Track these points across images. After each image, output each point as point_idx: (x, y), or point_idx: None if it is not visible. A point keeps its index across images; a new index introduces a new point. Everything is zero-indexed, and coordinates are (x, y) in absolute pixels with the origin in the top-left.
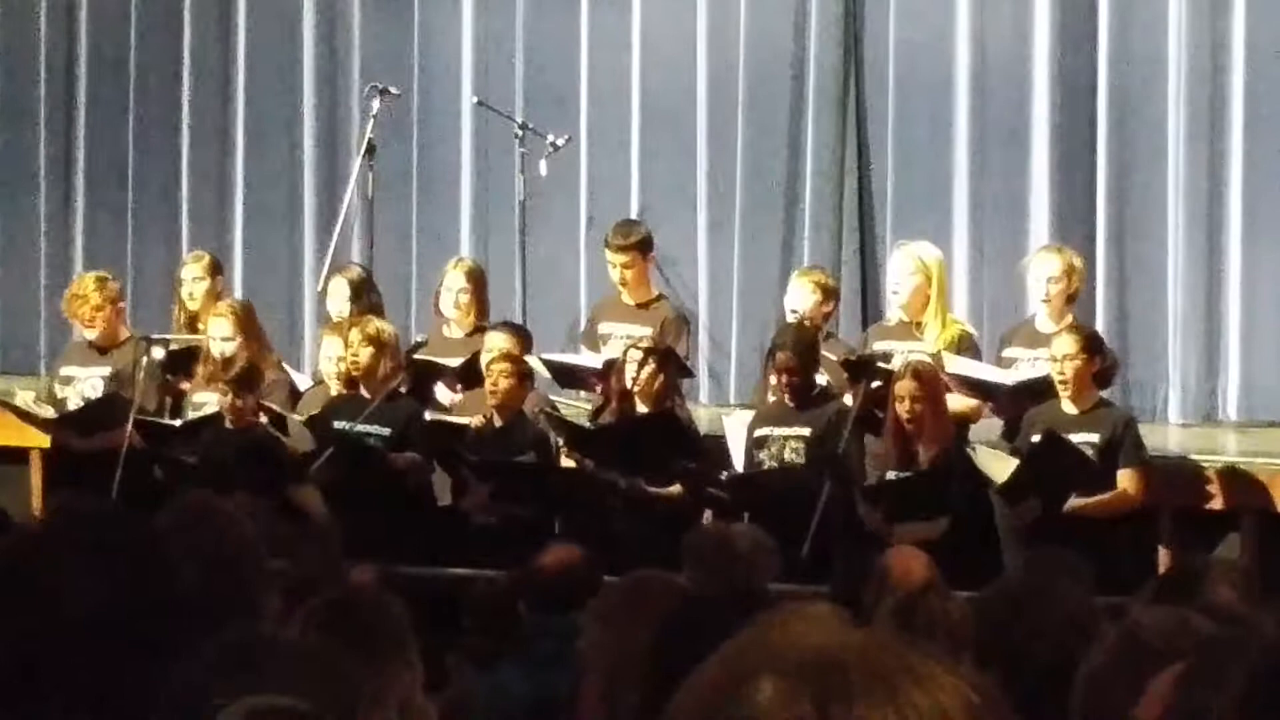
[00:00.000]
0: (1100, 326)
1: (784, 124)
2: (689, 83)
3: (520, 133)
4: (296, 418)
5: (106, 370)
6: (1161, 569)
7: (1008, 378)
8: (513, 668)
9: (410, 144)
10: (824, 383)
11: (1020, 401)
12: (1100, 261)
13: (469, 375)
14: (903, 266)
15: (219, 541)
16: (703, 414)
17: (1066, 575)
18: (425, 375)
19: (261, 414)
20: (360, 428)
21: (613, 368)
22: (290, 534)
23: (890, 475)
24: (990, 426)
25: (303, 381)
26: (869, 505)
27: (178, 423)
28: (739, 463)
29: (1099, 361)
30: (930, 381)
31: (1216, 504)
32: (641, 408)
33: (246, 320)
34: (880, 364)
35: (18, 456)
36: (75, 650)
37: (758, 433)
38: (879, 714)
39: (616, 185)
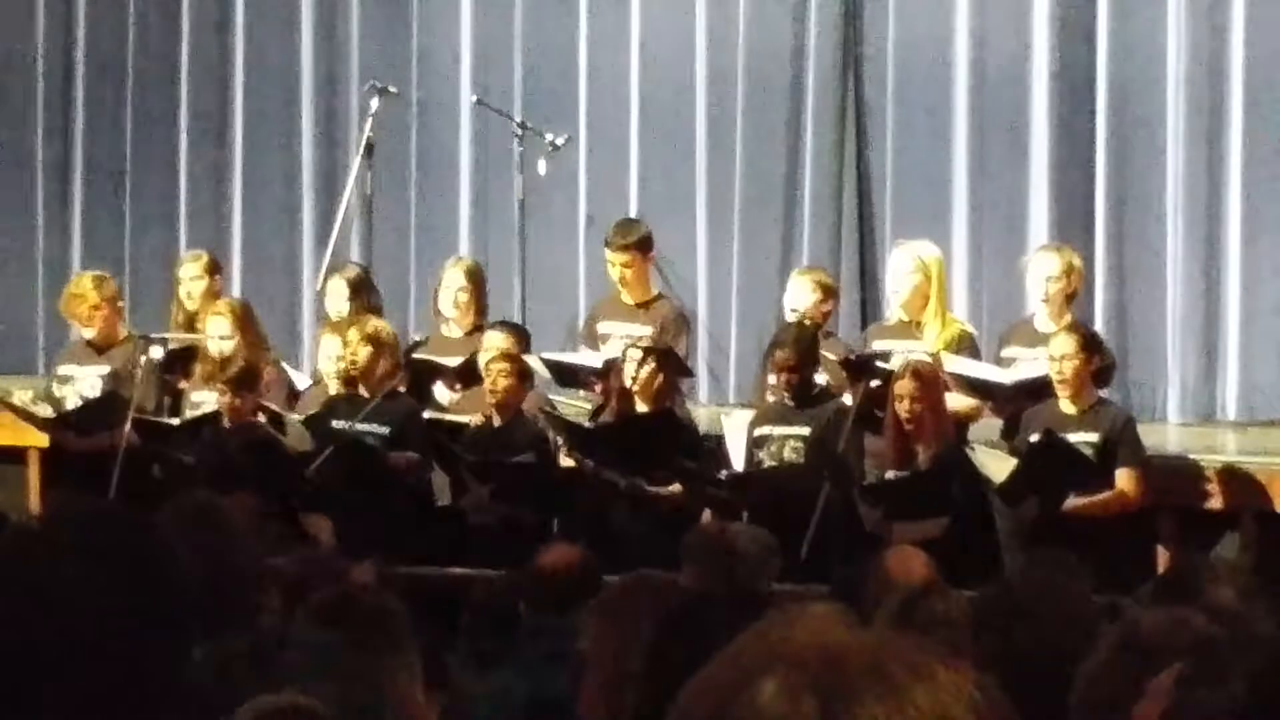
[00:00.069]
0: (1099, 326)
1: (783, 123)
2: (688, 82)
3: (519, 132)
4: (295, 417)
5: (105, 369)
6: (1160, 568)
7: (1007, 377)
8: (512, 668)
9: (409, 143)
10: (823, 382)
11: (1019, 401)
12: (1099, 261)
13: (468, 375)
14: (902, 266)
15: (219, 540)
16: (702, 413)
17: (1065, 575)
18: (424, 375)
19: (260, 413)
20: (359, 427)
21: (612, 367)
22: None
23: (889, 474)
24: (990, 426)
25: (302, 381)
26: (868, 504)
27: (176, 422)
28: (738, 462)
29: (1097, 361)
30: (930, 381)
31: (1215, 503)
32: (641, 407)
33: (245, 319)
34: (880, 363)
35: (16, 456)
36: (73, 650)
37: (757, 432)
38: (882, 712)
39: (615, 184)
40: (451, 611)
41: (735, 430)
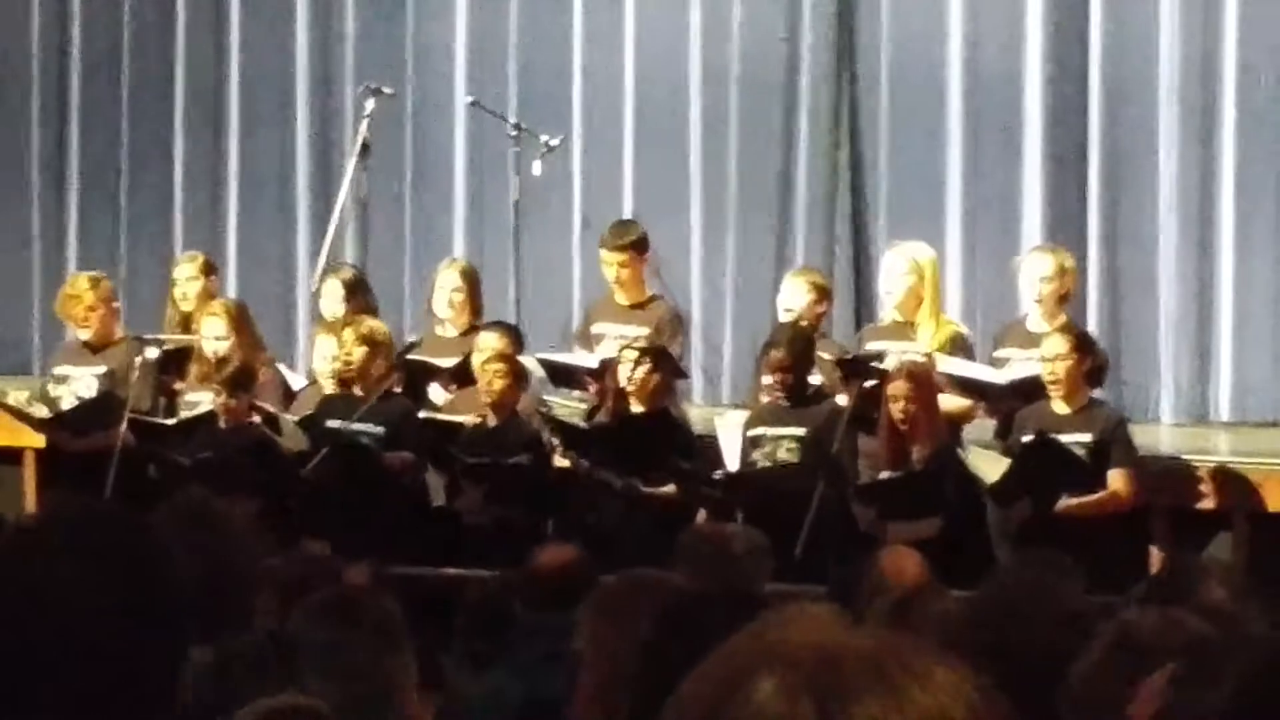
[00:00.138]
0: (1092, 327)
1: (777, 124)
2: (682, 82)
3: (514, 133)
4: (290, 417)
5: (100, 370)
6: (1153, 569)
7: (1000, 377)
8: (508, 668)
9: (404, 144)
10: (817, 383)
11: (1013, 401)
12: (1092, 262)
13: (463, 375)
14: (896, 267)
15: (214, 541)
16: (696, 414)
17: (1058, 575)
18: (419, 375)
19: (255, 414)
20: (354, 427)
21: (607, 367)
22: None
23: (883, 475)
24: (983, 426)
25: (297, 381)
26: (862, 504)
27: (171, 422)
28: (732, 463)
29: (1089, 361)
30: (924, 382)
31: (1208, 504)
32: (637, 407)
33: (240, 320)
34: (874, 364)
35: (12, 456)
36: (69, 651)
37: (752, 432)
38: (879, 712)
39: (610, 185)
40: (446, 612)
41: (728, 431)
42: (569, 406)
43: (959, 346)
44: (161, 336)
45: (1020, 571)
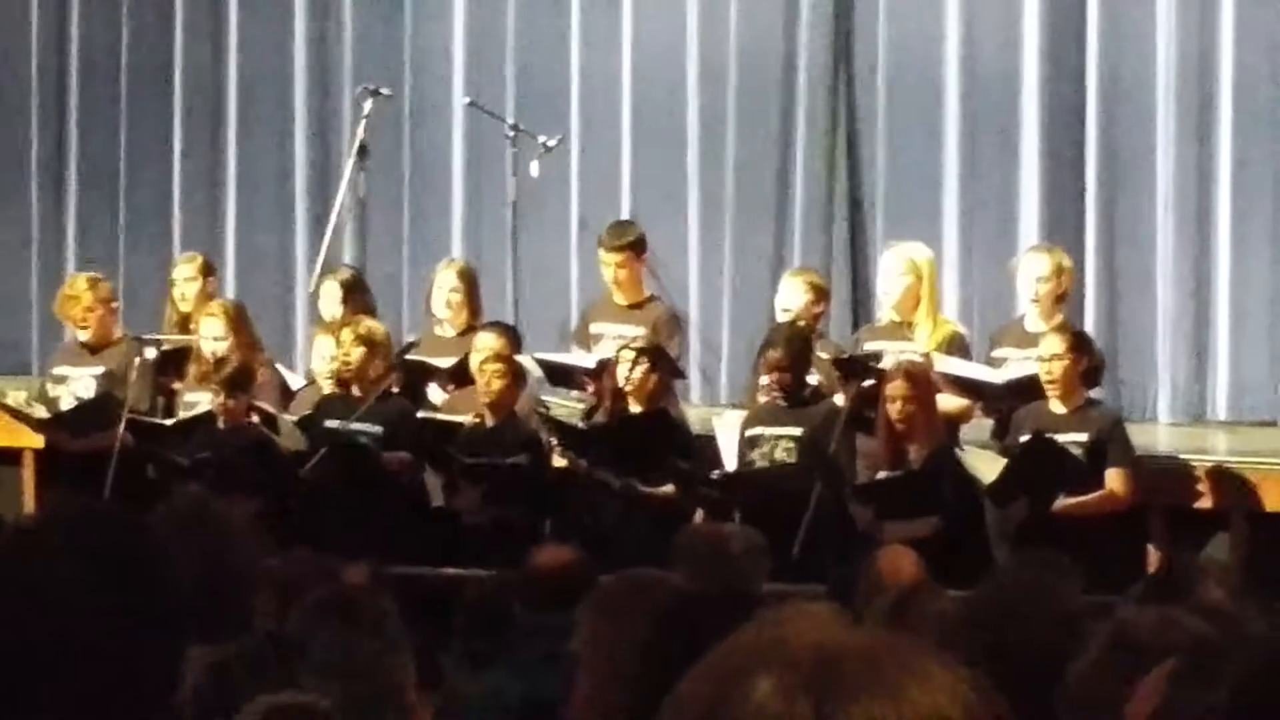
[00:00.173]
0: (1090, 326)
1: (774, 124)
2: (680, 83)
3: (512, 133)
4: (288, 417)
5: (99, 370)
6: (1151, 568)
7: (997, 377)
8: (506, 668)
9: (402, 145)
10: (815, 382)
11: (1010, 401)
12: (1090, 261)
13: (461, 375)
14: (893, 267)
15: (213, 541)
16: (694, 414)
17: (1055, 574)
18: (417, 375)
19: (253, 414)
20: (352, 426)
21: (605, 368)
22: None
23: (881, 475)
24: (981, 426)
25: (296, 381)
26: (859, 504)
27: (170, 422)
28: (730, 463)
29: (1086, 361)
30: (921, 382)
31: (1205, 503)
32: (635, 408)
33: (238, 320)
34: (872, 363)
35: (11, 456)
36: (68, 650)
37: (749, 432)
38: (877, 711)
39: (607, 186)
40: (445, 612)
41: (726, 431)
42: (567, 406)
43: (956, 346)
44: (160, 337)
45: (1018, 572)
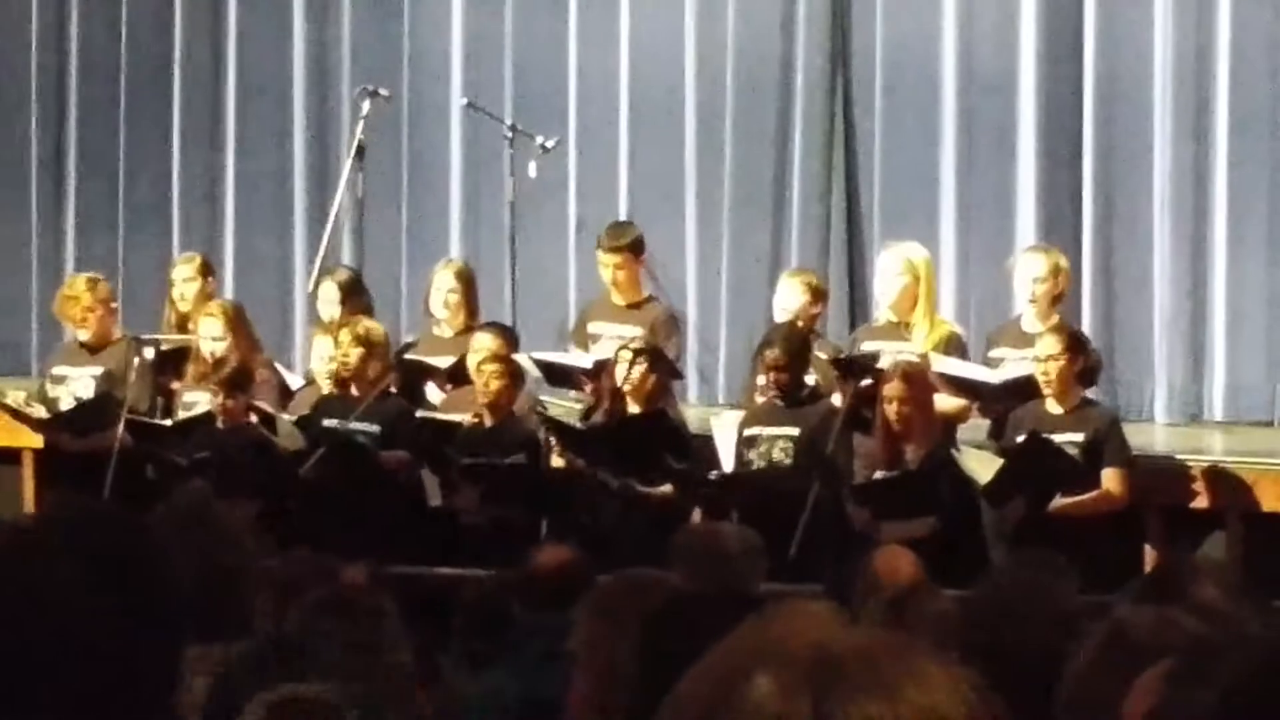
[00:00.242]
0: (1087, 327)
1: (772, 125)
2: (677, 84)
3: (510, 134)
4: (287, 417)
5: (98, 370)
6: (1147, 567)
7: (994, 377)
8: (505, 668)
9: (400, 146)
10: (812, 382)
11: (1007, 401)
12: (1086, 262)
13: (459, 375)
14: (890, 267)
15: (212, 540)
16: (692, 414)
17: (1052, 574)
18: (416, 375)
19: (252, 414)
20: (350, 426)
21: (604, 368)
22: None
23: (878, 474)
24: (977, 426)
25: (295, 381)
26: (857, 504)
27: (169, 422)
28: (727, 462)
29: (1082, 361)
30: (919, 383)
31: (1202, 503)
32: (633, 408)
33: (237, 320)
34: (869, 363)
35: (10, 456)
36: (67, 650)
37: (747, 432)
38: (876, 710)
39: (605, 186)
40: (444, 612)
41: (723, 431)
42: (564, 406)
43: (953, 347)
44: (159, 337)
45: (1014, 572)
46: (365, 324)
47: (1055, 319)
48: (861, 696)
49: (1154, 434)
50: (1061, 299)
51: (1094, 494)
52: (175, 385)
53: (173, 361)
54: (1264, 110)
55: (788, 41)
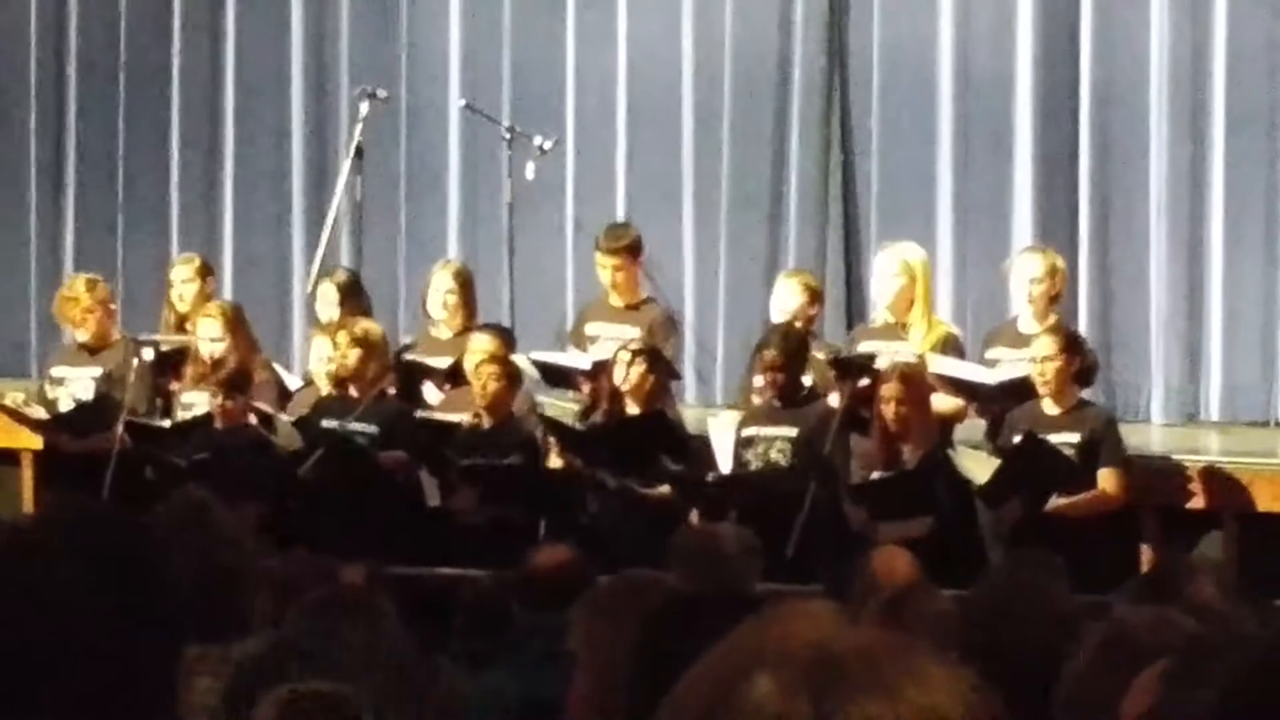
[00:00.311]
0: (1083, 327)
1: (769, 126)
2: (675, 85)
3: (507, 136)
4: (285, 418)
5: (97, 371)
6: (1144, 567)
7: (991, 377)
8: (504, 668)
9: (398, 147)
10: (809, 383)
11: (1004, 401)
12: (1083, 263)
13: (457, 376)
14: (887, 268)
15: (211, 541)
16: (689, 414)
17: (1047, 574)
18: (414, 376)
19: (251, 415)
20: (349, 426)
21: (601, 368)
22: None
23: (875, 475)
24: (974, 426)
25: (293, 382)
26: (854, 504)
27: (168, 423)
28: (724, 463)
29: (1078, 362)
30: (916, 384)
31: (1198, 503)
32: (633, 409)
33: (235, 321)
34: (867, 363)
35: (9, 457)
36: (66, 651)
37: (745, 433)
38: (876, 710)
39: (603, 187)
40: (443, 612)
41: (721, 432)
42: (561, 407)
43: (950, 347)
44: (158, 338)
45: (1011, 572)
46: (363, 325)
47: (1052, 320)
48: (862, 696)
49: (1150, 434)
50: (1058, 300)
51: (1090, 494)
52: (174, 386)
53: (172, 362)
54: (1260, 111)
55: (785, 42)
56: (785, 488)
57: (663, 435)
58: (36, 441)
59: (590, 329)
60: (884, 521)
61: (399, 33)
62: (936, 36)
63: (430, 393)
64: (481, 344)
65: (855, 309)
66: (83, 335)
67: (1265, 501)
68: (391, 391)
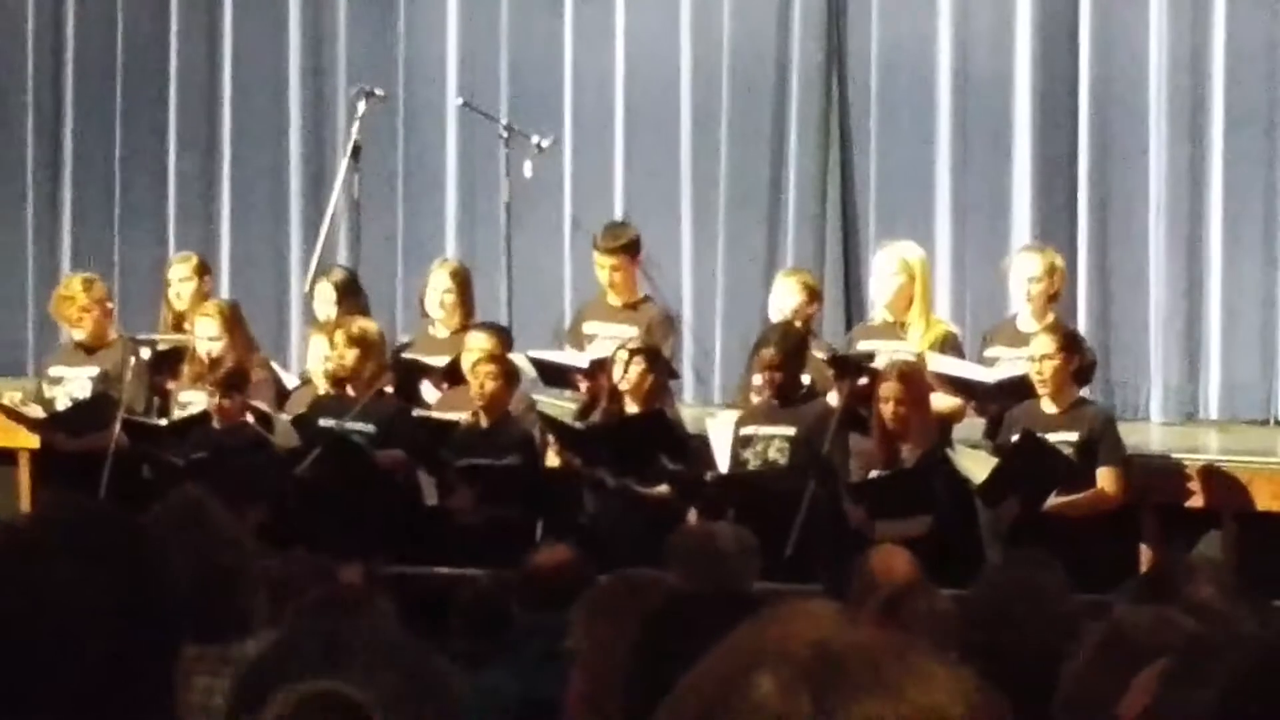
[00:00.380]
0: (1082, 326)
1: (767, 125)
2: (673, 83)
3: (505, 134)
4: (283, 417)
5: (94, 370)
6: (1143, 567)
7: (990, 376)
8: (503, 668)
9: (396, 146)
10: (808, 382)
11: (1002, 400)
12: (1082, 261)
13: (454, 374)
14: (886, 267)
15: (208, 540)
16: (688, 414)
17: (1043, 574)
18: (411, 375)
19: (248, 414)
20: (346, 425)
21: (599, 367)
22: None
23: (873, 474)
24: (973, 425)
25: (291, 381)
26: (852, 503)
27: (165, 422)
28: (723, 463)
29: (1077, 360)
30: (915, 383)
31: (1197, 502)
32: (632, 408)
33: (233, 320)
34: (865, 363)
35: (7, 457)
36: (63, 651)
37: (743, 431)
38: (877, 710)
39: (601, 186)
40: (441, 611)
41: (719, 431)
42: (559, 406)
43: (949, 346)
44: (155, 337)
45: (1010, 571)
46: (359, 324)
47: (1050, 318)
48: (863, 695)
49: (1149, 433)
50: (1057, 298)
51: (1089, 493)
52: (171, 385)
53: (169, 361)
54: (1259, 111)
55: (783, 41)
56: (784, 487)
57: (662, 434)
58: (34, 441)
59: (588, 328)
60: (882, 520)
61: (397, 31)
62: (935, 35)
63: (428, 392)
64: (479, 343)
65: (854, 308)
66: (80, 334)
67: (1264, 500)
68: (389, 390)
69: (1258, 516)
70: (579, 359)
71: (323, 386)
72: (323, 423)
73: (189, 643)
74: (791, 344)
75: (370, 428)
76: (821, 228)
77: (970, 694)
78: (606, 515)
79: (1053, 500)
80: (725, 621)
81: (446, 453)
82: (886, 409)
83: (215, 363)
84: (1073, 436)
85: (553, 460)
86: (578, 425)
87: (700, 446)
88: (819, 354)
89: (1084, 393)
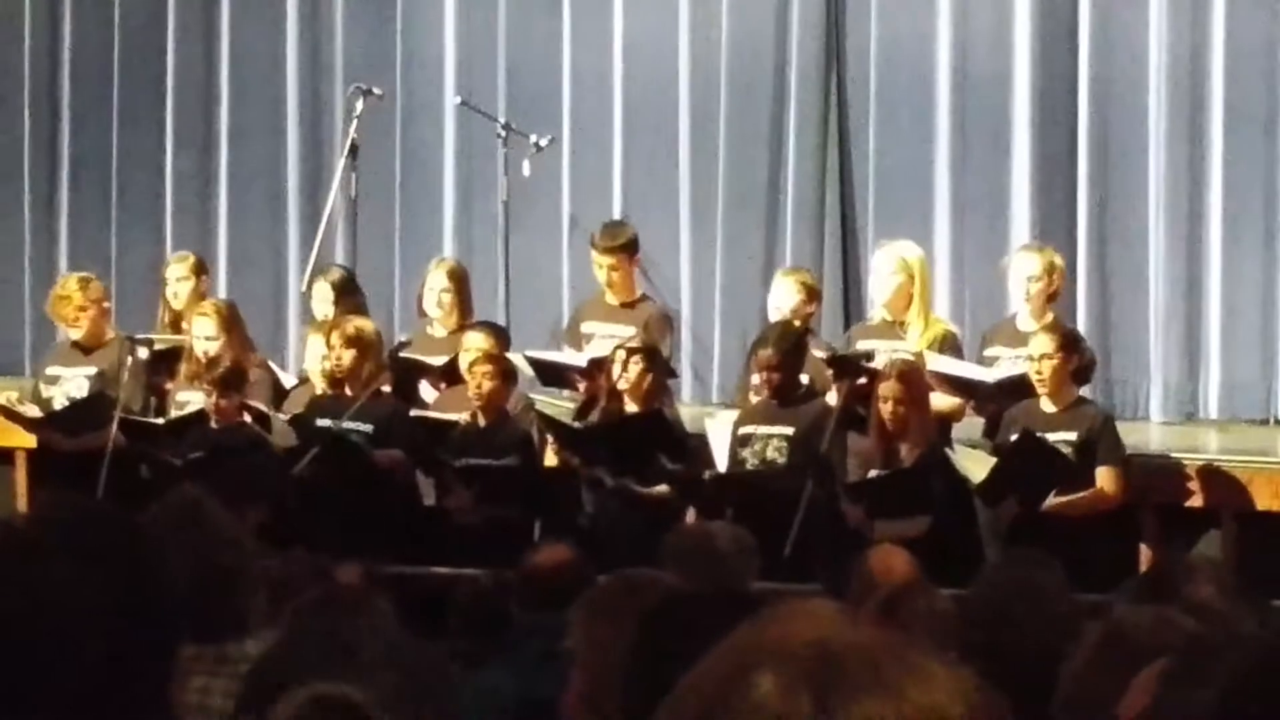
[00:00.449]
0: (1082, 325)
1: (766, 124)
2: (671, 82)
3: (503, 133)
4: (280, 416)
5: (91, 370)
6: (1142, 566)
7: (989, 375)
8: (502, 668)
9: (394, 145)
10: (806, 381)
11: (1001, 399)
12: (1081, 260)
13: (452, 374)
14: (885, 266)
15: (206, 540)
16: (686, 413)
17: (1042, 574)
18: (409, 374)
19: (246, 413)
20: (344, 425)
21: (598, 367)
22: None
23: (872, 473)
24: (972, 425)
25: (288, 381)
26: (851, 502)
27: (162, 422)
28: (721, 462)
29: (1076, 359)
30: (914, 382)
31: (1197, 502)
32: (631, 407)
33: (230, 320)
34: (864, 362)
35: (4, 456)
36: (61, 650)
37: (741, 431)
38: (877, 709)
39: (599, 185)
40: (439, 611)
41: (718, 431)
42: (557, 405)
43: (948, 345)
44: (152, 336)
45: (1009, 571)
46: (356, 324)
47: (1050, 318)
48: (863, 695)
49: (1149, 432)
50: (1056, 297)
51: (1088, 493)
52: (169, 385)
53: (166, 361)
54: (1258, 110)
55: (782, 40)
56: (782, 486)
57: (660, 434)
58: (31, 440)
59: (586, 327)
60: (881, 520)
61: (394, 30)
62: (934, 35)
63: (426, 391)
64: (476, 342)
65: (853, 307)
66: (77, 334)
67: (1264, 500)
68: (387, 390)
69: (1257, 516)
70: (577, 358)
71: (320, 386)
72: (320, 422)
73: (186, 642)
74: (790, 343)
75: (368, 427)
76: (820, 227)
77: (970, 694)
78: (605, 515)
79: (1052, 500)
80: (724, 621)
81: (444, 452)
82: (885, 408)
83: (212, 362)
84: (1072, 436)
85: (551, 460)
86: (576, 425)
87: (699, 446)
88: (818, 353)
89: (1083, 392)
